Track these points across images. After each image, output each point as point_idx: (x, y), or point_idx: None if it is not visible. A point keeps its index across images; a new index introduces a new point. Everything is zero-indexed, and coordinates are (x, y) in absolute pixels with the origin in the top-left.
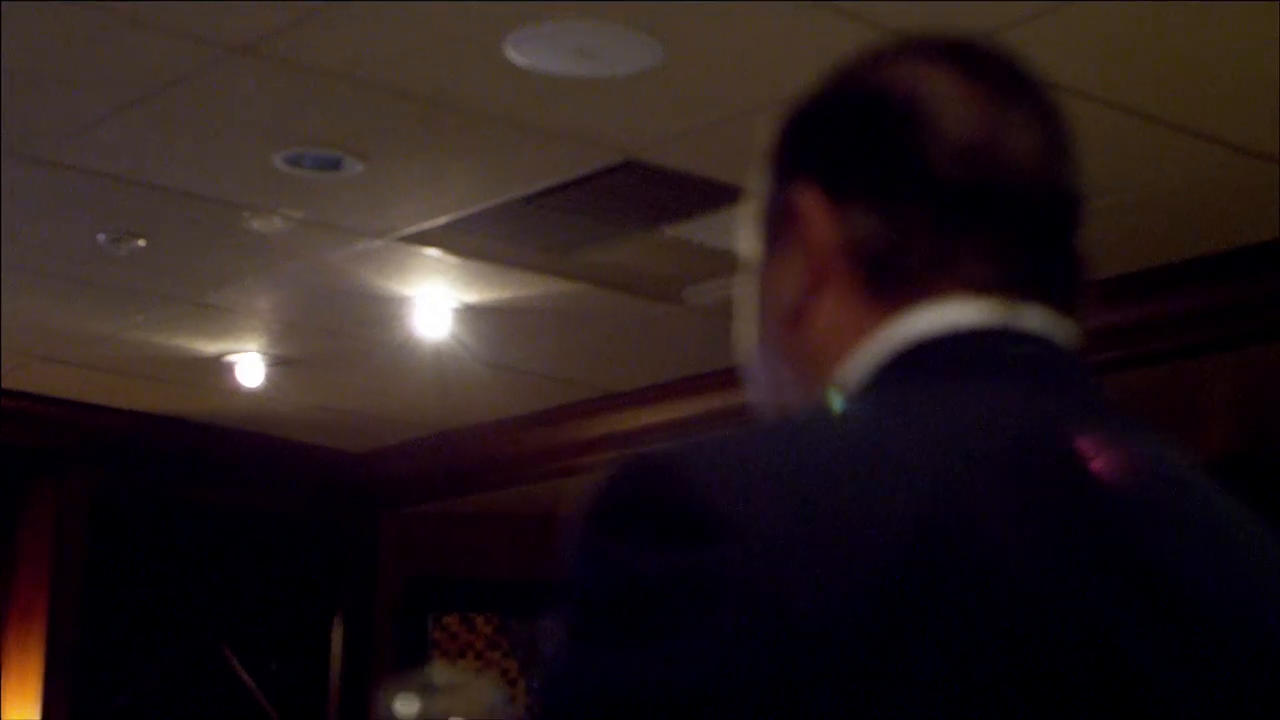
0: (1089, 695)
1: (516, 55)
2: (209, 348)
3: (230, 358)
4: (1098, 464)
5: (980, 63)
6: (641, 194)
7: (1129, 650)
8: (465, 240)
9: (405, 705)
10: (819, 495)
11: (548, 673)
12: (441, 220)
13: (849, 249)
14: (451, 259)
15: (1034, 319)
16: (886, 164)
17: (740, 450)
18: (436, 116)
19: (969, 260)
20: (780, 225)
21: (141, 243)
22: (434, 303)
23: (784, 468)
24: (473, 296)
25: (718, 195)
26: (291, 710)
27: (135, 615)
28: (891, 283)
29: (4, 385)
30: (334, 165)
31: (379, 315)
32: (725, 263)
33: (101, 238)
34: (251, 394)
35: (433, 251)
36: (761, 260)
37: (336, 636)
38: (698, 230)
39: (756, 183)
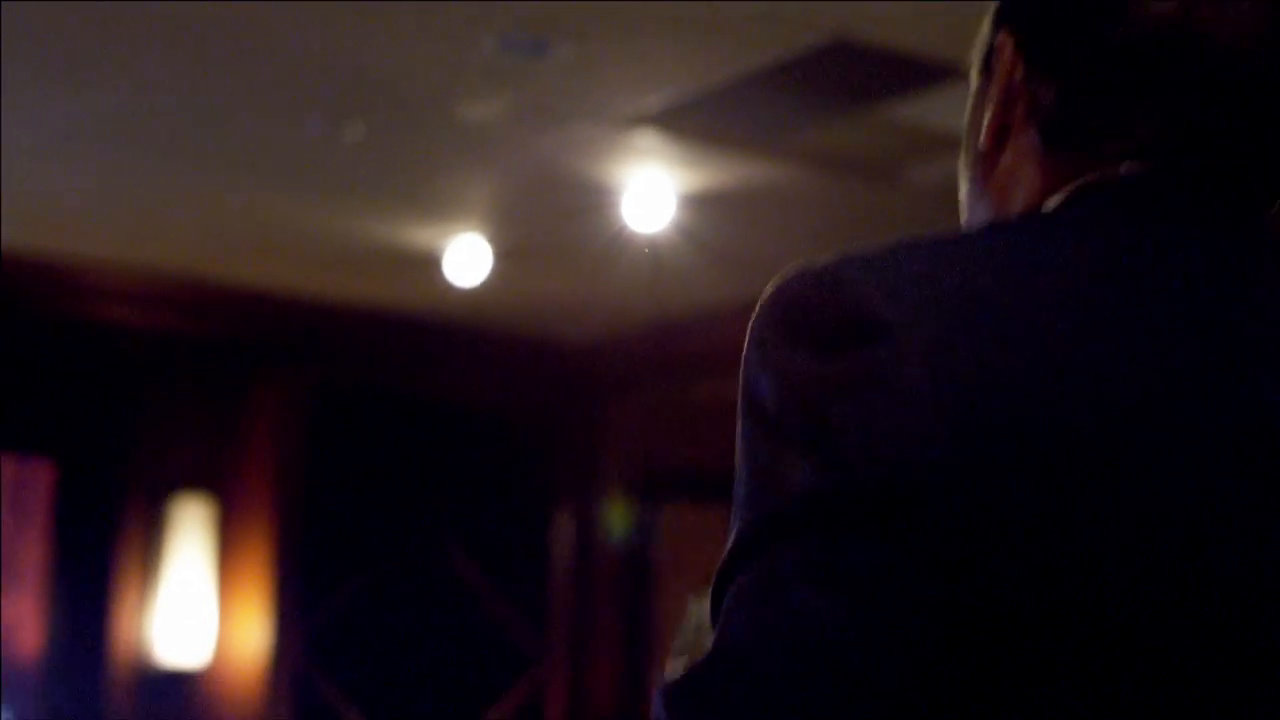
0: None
1: None
2: (424, 239)
3: (446, 250)
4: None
5: None
6: (853, 73)
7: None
8: (677, 123)
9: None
10: (973, 307)
11: (739, 485)
12: (652, 103)
13: (1030, 107)
14: (664, 144)
15: (1201, 181)
16: (1072, 31)
17: (898, 260)
18: None
19: (1142, 127)
20: (988, 68)
21: (356, 133)
22: (649, 189)
23: (940, 279)
24: (687, 183)
25: (932, 74)
26: (515, 604)
27: (357, 510)
28: (1062, 146)
29: (224, 280)
30: (544, 48)
31: (595, 203)
32: (943, 142)
33: (317, 128)
34: (468, 286)
35: (645, 136)
36: (974, 97)
37: (560, 529)
38: (913, 110)
39: (987, 21)
